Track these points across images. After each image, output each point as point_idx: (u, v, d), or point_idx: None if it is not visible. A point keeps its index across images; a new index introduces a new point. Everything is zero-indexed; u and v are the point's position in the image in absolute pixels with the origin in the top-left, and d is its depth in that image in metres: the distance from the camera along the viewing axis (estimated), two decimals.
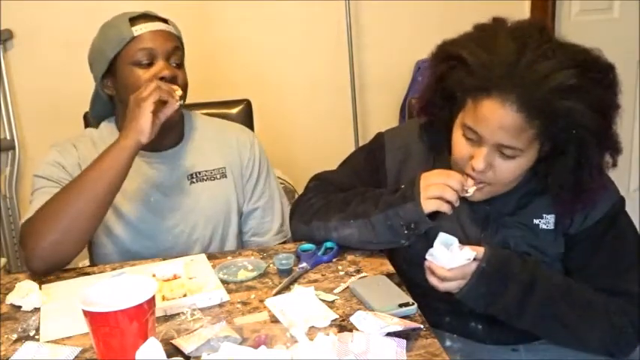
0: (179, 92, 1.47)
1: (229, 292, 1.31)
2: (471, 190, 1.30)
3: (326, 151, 2.52)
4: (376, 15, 2.80)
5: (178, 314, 1.23)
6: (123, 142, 1.43)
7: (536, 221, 1.37)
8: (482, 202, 1.36)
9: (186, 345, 1.10)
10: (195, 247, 1.61)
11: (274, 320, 1.20)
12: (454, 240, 1.24)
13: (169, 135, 1.61)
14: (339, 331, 1.15)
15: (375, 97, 2.88)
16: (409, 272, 1.35)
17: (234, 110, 1.97)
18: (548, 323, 1.32)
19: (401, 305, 1.22)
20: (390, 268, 1.39)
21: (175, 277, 1.36)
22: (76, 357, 1.12)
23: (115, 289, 1.11)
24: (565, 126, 1.21)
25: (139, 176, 1.59)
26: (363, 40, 2.81)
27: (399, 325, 1.12)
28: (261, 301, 1.27)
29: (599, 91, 1.22)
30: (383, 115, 2.85)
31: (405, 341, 1.10)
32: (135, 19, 1.53)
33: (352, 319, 1.16)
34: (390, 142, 1.50)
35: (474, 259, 1.24)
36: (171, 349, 1.11)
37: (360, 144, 2.73)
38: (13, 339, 1.19)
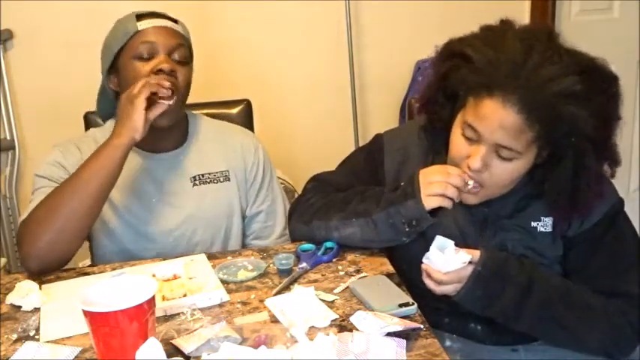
0: (167, 92, 1.45)
1: (229, 292, 1.31)
2: (471, 183, 1.30)
3: (326, 151, 2.52)
4: (376, 15, 2.80)
5: (178, 314, 1.23)
6: (116, 141, 1.42)
7: (534, 224, 1.37)
8: (481, 204, 1.36)
9: (186, 345, 1.10)
10: (197, 249, 1.60)
11: (274, 320, 1.20)
12: (450, 243, 1.24)
13: (172, 136, 1.61)
14: (339, 331, 1.15)
15: (375, 97, 2.88)
16: (409, 273, 1.35)
17: (234, 110, 1.97)
18: (547, 325, 1.32)
19: (401, 305, 1.22)
20: (390, 268, 1.39)
21: (175, 277, 1.36)
22: (76, 357, 1.12)
23: (115, 289, 1.11)
24: (565, 132, 1.21)
25: (141, 177, 1.59)
26: (363, 40, 2.81)
27: (399, 325, 1.12)
28: (261, 301, 1.27)
29: (602, 99, 1.22)
30: (383, 115, 2.86)
31: (405, 341, 1.10)
32: (142, 16, 1.54)
33: (352, 319, 1.16)
34: (389, 143, 1.50)
35: (470, 263, 1.24)
36: (171, 349, 1.11)
37: (360, 144, 2.73)
38: (13, 339, 1.19)
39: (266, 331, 1.16)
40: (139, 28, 1.51)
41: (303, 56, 2.79)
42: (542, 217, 1.36)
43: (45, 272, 1.41)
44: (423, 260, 1.25)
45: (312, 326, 1.16)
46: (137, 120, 1.41)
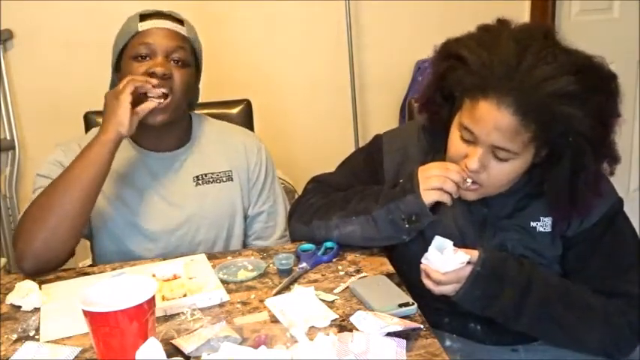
0: (157, 90, 1.45)
1: (229, 292, 1.31)
2: (469, 181, 1.30)
3: (326, 151, 2.53)
4: (376, 15, 2.80)
5: (178, 314, 1.23)
6: (103, 137, 1.42)
7: (533, 224, 1.37)
8: (480, 204, 1.36)
9: (186, 345, 1.10)
10: (199, 249, 1.60)
11: (274, 320, 1.20)
12: (449, 244, 1.24)
13: (174, 136, 1.61)
14: (339, 331, 1.15)
15: (375, 97, 2.88)
16: (409, 273, 1.35)
17: (234, 110, 1.97)
18: (546, 325, 1.32)
19: (401, 305, 1.22)
20: (390, 268, 1.39)
21: (175, 277, 1.36)
22: (76, 357, 1.12)
23: (115, 289, 1.11)
24: (562, 132, 1.21)
25: (143, 176, 1.59)
26: (363, 40, 2.81)
27: (399, 325, 1.12)
28: (261, 301, 1.27)
29: (600, 98, 1.22)
30: (383, 115, 2.86)
31: (405, 341, 1.10)
32: (147, 16, 1.54)
33: (352, 319, 1.16)
34: (388, 144, 1.50)
35: (469, 263, 1.24)
36: (171, 349, 1.11)
37: (360, 144, 2.74)
38: (13, 339, 1.19)
39: (266, 331, 1.16)
40: (140, 29, 1.51)
41: (303, 56, 2.80)
42: (541, 217, 1.36)
43: (39, 272, 1.41)
44: (422, 260, 1.25)
45: (312, 326, 1.16)
46: (122, 114, 1.41)
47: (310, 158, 2.69)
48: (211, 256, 1.47)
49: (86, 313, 1.03)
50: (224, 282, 1.34)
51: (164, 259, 1.46)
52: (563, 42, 1.26)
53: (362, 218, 1.40)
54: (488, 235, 1.38)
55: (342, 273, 1.38)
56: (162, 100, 1.46)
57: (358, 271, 1.38)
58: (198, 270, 1.39)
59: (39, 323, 1.23)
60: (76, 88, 2.51)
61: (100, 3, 2.50)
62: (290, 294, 1.28)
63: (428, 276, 1.26)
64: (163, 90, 1.46)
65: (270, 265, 1.41)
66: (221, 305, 1.27)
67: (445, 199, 1.32)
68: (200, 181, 1.62)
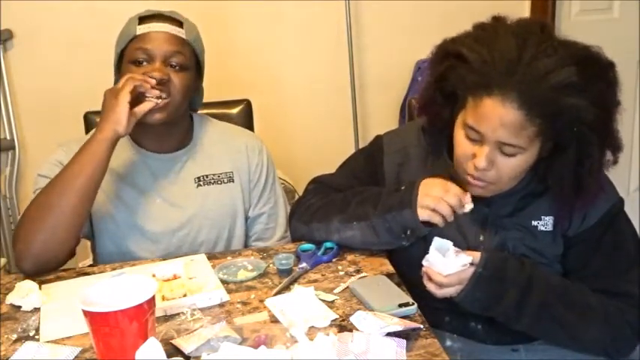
0: (155, 91, 1.45)
1: (229, 292, 1.31)
2: (467, 207, 1.31)
3: (326, 151, 2.53)
4: (376, 15, 2.80)
5: (178, 314, 1.23)
6: (100, 135, 1.42)
7: (534, 223, 1.37)
8: (481, 203, 1.36)
9: (186, 345, 1.10)
10: (201, 249, 1.60)
11: (274, 320, 1.20)
12: (449, 245, 1.24)
13: (175, 137, 1.61)
14: (339, 331, 1.15)
15: (375, 97, 2.88)
16: (409, 273, 1.35)
17: (234, 110, 1.97)
18: (547, 325, 1.32)
19: (401, 305, 1.22)
20: (390, 268, 1.39)
21: (175, 277, 1.36)
22: (76, 357, 1.12)
23: (115, 289, 1.11)
24: (566, 123, 1.21)
25: (145, 177, 1.58)
26: (363, 40, 2.81)
27: (399, 325, 1.12)
28: (261, 301, 1.27)
29: (601, 87, 1.22)
30: (383, 115, 2.86)
31: (405, 341, 1.10)
32: (145, 19, 1.53)
33: (352, 319, 1.16)
34: (389, 144, 1.50)
35: (471, 264, 1.24)
36: (171, 349, 1.11)
37: (360, 144, 2.74)
38: (13, 339, 1.19)
39: (266, 331, 1.16)
40: (137, 33, 1.50)
41: (303, 56, 2.79)
42: (542, 216, 1.36)
43: (39, 273, 1.41)
44: (423, 263, 1.25)
45: (312, 326, 1.16)
46: (120, 113, 1.41)
47: (310, 158, 2.69)
48: (211, 256, 1.47)
49: (86, 313, 1.03)
50: (224, 282, 1.34)
51: (164, 259, 1.46)
52: (557, 35, 1.26)
53: (362, 224, 1.40)
54: (489, 234, 1.38)
55: (342, 273, 1.38)
56: (159, 100, 1.46)
57: (358, 271, 1.38)
58: (198, 270, 1.39)
59: (39, 323, 1.23)
60: (76, 88, 2.51)
61: (100, 3, 2.50)
62: (290, 294, 1.28)
63: (430, 279, 1.26)
64: (162, 95, 1.47)
65: (270, 265, 1.41)
66: (221, 305, 1.27)
67: (437, 220, 1.32)
68: (201, 182, 1.62)
